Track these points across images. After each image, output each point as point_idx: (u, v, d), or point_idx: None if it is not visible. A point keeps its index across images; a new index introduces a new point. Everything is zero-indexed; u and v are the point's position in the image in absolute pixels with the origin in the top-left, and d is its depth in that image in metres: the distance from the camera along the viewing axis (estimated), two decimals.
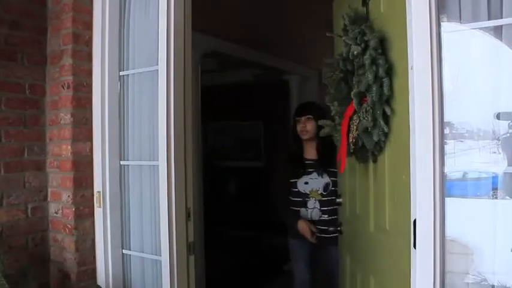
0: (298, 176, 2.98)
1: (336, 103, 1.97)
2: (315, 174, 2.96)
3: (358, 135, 1.78)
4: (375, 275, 1.95)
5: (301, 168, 2.99)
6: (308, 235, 2.88)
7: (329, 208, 2.90)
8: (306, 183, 2.96)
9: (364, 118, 1.71)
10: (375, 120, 1.70)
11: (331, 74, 1.97)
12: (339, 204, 2.54)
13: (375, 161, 1.87)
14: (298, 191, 2.98)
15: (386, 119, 1.69)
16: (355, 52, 1.73)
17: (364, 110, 1.71)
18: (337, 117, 1.97)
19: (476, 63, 1.56)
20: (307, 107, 3.09)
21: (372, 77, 1.66)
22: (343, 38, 1.82)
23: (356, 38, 1.74)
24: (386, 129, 1.69)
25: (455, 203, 1.53)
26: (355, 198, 2.24)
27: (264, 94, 6.27)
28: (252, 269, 3.31)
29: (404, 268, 1.55)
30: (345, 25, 1.83)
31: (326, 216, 2.91)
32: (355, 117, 1.78)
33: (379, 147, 1.77)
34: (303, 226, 2.90)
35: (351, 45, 1.76)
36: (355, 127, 1.78)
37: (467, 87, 1.56)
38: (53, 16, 2.40)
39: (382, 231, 1.84)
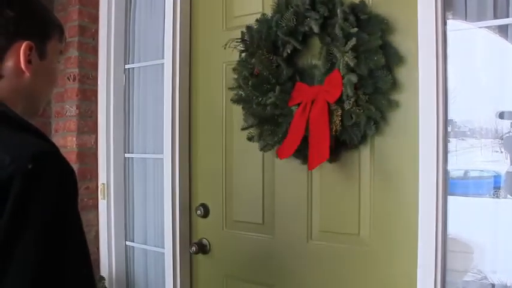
0: None
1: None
2: None
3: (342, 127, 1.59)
4: None
5: None
6: None
7: None
8: None
9: (353, 108, 1.55)
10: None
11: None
12: None
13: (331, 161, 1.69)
14: None
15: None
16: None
17: (352, 100, 1.54)
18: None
19: (480, 61, 1.57)
20: None
21: (367, 69, 1.52)
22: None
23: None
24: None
25: (456, 202, 1.54)
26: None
27: None
28: None
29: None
30: None
31: None
32: (333, 107, 1.58)
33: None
34: None
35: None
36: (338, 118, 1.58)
37: (470, 85, 1.56)
38: (59, 8, 2.40)
39: (350, 240, 1.70)
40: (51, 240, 0.78)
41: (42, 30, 0.97)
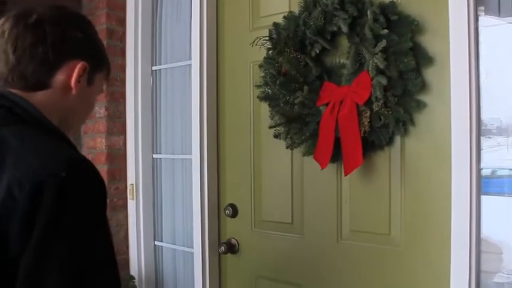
0: None
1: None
2: None
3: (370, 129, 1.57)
4: None
5: None
6: None
7: None
8: None
9: (382, 109, 1.53)
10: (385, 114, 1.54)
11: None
12: None
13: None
14: None
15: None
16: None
17: (381, 102, 1.52)
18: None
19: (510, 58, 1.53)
20: None
21: (396, 70, 1.50)
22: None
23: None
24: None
25: (487, 201, 1.51)
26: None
27: None
28: None
29: None
30: None
31: None
32: (362, 108, 1.56)
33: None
34: None
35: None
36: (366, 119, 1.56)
37: (499, 82, 1.53)
38: (87, 13, 2.44)
39: (381, 240, 1.68)
40: (82, 250, 0.78)
41: (97, 60, 1.03)
